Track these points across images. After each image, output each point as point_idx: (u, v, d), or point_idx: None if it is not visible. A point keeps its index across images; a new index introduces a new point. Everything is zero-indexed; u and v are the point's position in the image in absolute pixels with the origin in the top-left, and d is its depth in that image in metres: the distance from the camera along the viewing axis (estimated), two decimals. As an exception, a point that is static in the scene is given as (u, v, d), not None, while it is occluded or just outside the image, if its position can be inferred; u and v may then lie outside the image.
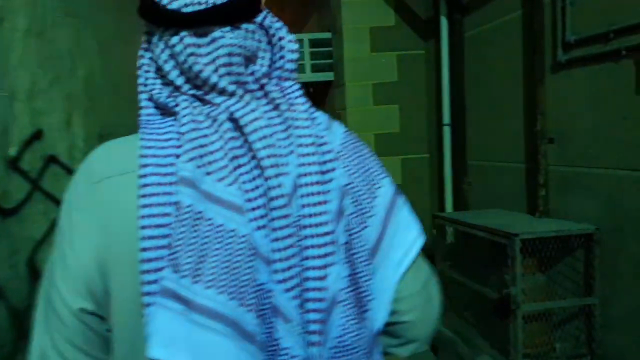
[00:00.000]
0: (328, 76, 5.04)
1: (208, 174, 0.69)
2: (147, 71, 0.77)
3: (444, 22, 4.05)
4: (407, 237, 0.84)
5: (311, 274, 0.70)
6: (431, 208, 4.73)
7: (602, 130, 2.54)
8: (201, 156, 0.69)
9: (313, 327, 0.68)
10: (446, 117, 4.15)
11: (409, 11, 4.56)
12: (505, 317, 2.53)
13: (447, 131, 4.15)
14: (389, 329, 0.81)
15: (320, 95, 5.50)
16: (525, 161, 3.23)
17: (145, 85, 0.76)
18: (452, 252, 3.52)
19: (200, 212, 0.66)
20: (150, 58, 0.77)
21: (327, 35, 5.02)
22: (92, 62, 3.90)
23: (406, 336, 0.83)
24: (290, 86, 0.83)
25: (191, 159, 0.68)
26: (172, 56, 0.73)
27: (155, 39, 0.75)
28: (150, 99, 0.76)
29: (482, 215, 3.28)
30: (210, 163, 0.69)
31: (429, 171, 4.73)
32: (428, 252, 3.19)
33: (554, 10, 2.79)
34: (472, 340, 3.02)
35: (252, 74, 0.78)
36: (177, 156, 0.69)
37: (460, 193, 4.04)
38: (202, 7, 0.70)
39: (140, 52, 0.79)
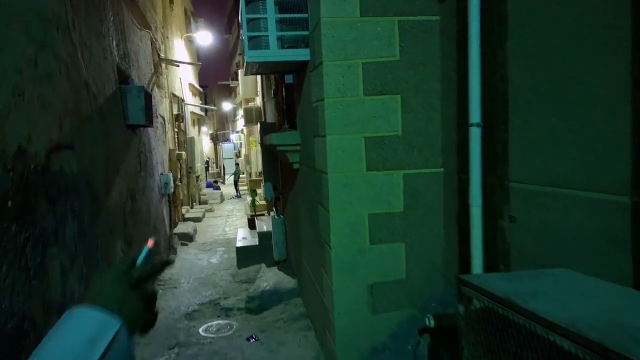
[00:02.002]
0: (301, 54, 3.56)
1: None
2: None
3: (473, -37, 2.58)
4: None
5: None
6: (445, 256, 3.24)
7: None
8: None
9: None
10: (474, 114, 2.67)
11: (418, -44, 3.09)
12: None
13: (475, 135, 2.67)
14: None
15: (290, 89, 4.03)
16: (624, 189, 1.76)
17: None
18: (485, 346, 2.03)
19: None
20: None
21: (300, -4, 3.56)
22: None
23: None
24: None
25: None
26: None
27: None
28: None
29: (542, 285, 1.81)
30: None
31: (443, 195, 3.24)
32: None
33: None
34: None
35: None
36: None
37: (497, 235, 2.55)
38: None
39: None
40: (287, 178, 6.10)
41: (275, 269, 6.60)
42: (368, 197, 3.17)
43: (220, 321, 5.18)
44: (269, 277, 6.12)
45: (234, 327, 4.97)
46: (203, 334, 4.85)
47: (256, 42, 3.53)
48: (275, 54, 3.54)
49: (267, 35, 3.50)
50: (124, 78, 6.07)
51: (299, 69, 4.08)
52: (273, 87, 6.89)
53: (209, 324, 5.10)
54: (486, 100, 2.63)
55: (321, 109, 3.19)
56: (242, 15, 3.46)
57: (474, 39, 2.64)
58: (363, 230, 3.19)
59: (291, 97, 4.92)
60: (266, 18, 3.46)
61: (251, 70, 3.97)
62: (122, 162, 5.52)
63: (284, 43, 3.59)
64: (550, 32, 2.18)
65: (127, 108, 5.83)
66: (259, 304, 5.42)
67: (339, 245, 3.18)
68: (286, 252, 6.80)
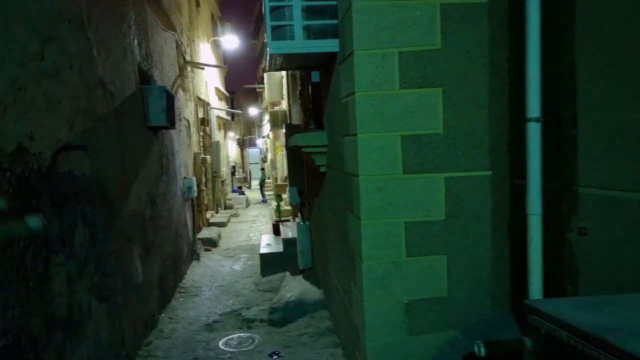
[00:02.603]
0: (329, 46, 3.23)
1: None
2: None
3: None
4: None
5: None
6: (493, 272, 2.84)
7: None
8: None
9: None
10: (533, 107, 2.28)
11: None
12: None
13: (534, 131, 2.28)
14: None
15: (316, 88, 3.70)
16: None
17: None
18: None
19: None
20: None
21: (329, -19, 3.23)
22: None
23: None
24: None
25: None
26: None
27: None
28: None
29: (636, 317, 1.42)
30: None
31: (492, 202, 2.84)
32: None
33: None
34: None
35: None
36: None
37: (561, 249, 2.15)
38: None
39: None
40: (313, 182, 5.77)
41: (300, 277, 6.27)
42: (404, 204, 2.80)
43: (242, 334, 4.87)
44: (294, 287, 5.79)
45: (256, 340, 4.65)
46: (223, 347, 4.55)
47: (280, 33, 3.22)
48: (300, 45, 3.22)
49: (292, 25, 3.19)
50: (146, 79, 5.87)
51: (326, 63, 3.75)
52: (299, 87, 6.59)
53: (230, 336, 4.80)
54: (547, 92, 2.24)
55: (352, 104, 2.84)
56: (265, 3, 3.16)
57: (533, 21, 2.26)
58: (398, 240, 2.82)
59: (318, 96, 4.60)
60: (291, 5, 3.15)
61: (275, 64, 3.67)
62: (142, 165, 5.30)
63: (310, 33, 3.27)
64: (636, 5, 1.78)
65: (148, 109, 5.61)
66: (283, 316, 5.09)
67: (371, 257, 2.82)
68: (312, 261, 6.46)
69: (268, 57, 3.54)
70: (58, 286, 2.82)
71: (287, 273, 6.65)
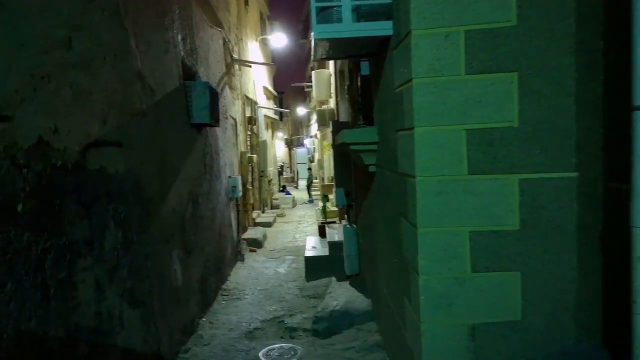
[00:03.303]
0: (381, 28, 2.85)
1: None
2: None
3: None
4: None
5: None
6: (579, 294, 2.35)
7: None
8: None
9: None
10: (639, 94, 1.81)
11: None
12: None
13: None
14: None
15: (365, 81, 3.33)
16: None
17: None
18: None
19: None
20: None
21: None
22: None
23: None
24: None
25: None
26: None
27: None
28: None
29: None
30: None
31: (578, 209, 2.35)
32: None
33: None
34: None
35: None
36: None
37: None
38: None
39: None
40: (361, 183, 5.39)
41: (346, 284, 5.90)
42: (470, 210, 2.38)
43: (284, 344, 4.56)
44: (340, 294, 5.43)
45: (298, 353, 4.33)
46: (263, 359, 4.26)
47: (326, 15, 2.87)
48: (349, 28, 2.86)
49: (340, 6, 2.83)
50: (190, 75, 5.71)
51: (377, 52, 3.36)
52: (347, 82, 6.22)
53: (271, 347, 4.50)
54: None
55: (408, 93, 2.45)
56: (310, -19, 2.82)
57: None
58: (462, 253, 2.39)
59: (367, 89, 4.21)
60: (337, -17, 2.80)
61: (321, 52, 3.32)
62: (184, 163, 5.12)
63: (359, 16, 2.90)
64: None
65: (192, 106, 5.43)
66: (328, 326, 4.74)
67: (430, 272, 2.41)
68: (359, 266, 6.08)
69: (313, 44, 3.19)
70: (84, 293, 2.61)
71: (333, 278, 6.30)
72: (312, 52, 3.40)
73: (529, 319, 2.41)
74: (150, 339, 3.62)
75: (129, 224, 3.34)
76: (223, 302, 5.95)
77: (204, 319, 5.19)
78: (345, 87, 6.49)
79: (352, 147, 3.78)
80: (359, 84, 4.31)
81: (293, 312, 5.45)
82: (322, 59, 3.65)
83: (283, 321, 5.17)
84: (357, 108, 4.61)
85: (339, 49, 3.33)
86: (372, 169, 3.90)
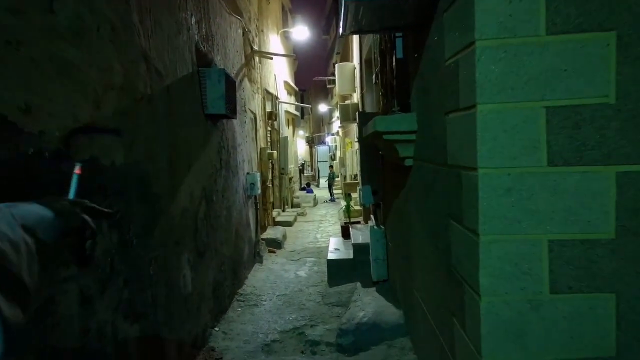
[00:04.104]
0: (430, -14, 2.31)
1: None
2: None
3: None
4: None
5: None
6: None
7: None
8: None
9: None
10: None
11: None
12: None
13: None
14: None
15: (401, 64, 2.79)
16: None
17: None
18: None
19: None
20: None
21: None
22: None
23: None
24: None
25: None
26: None
27: None
28: None
29: None
30: None
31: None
32: None
33: None
34: None
35: None
36: None
37: None
38: None
39: None
40: (391, 180, 4.85)
41: (373, 291, 5.38)
42: (550, 213, 1.83)
43: (304, 360, 4.08)
44: (366, 303, 4.91)
45: (321, 371, 3.83)
46: (282, 377, 3.78)
47: (360, -28, 2.35)
48: (388, -12, 2.33)
49: (377, -40, 2.31)
50: (205, 62, 5.26)
51: (418, 23, 2.82)
52: (376, 69, 5.68)
53: (290, 363, 4.02)
54: None
55: (467, 62, 1.91)
56: None
57: None
58: (538, 268, 1.85)
59: (403, 74, 3.68)
60: None
61: (351, 23, 2.80)
62: (197, 158, 4.67)
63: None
64: None
65: (206, 95, 4.98)
66: (354, 340, 4.23)
67: (496, 293, 1.87)
68: (387, 272, 5.54)
69: (342, 11, 2.67)
70: (65, 308, 2.15)
71: (358, 284, 5.78)
72: (341, 24, 2.88)
73: (626, 355, 1.84)
74: (151, 356, 3.16)
75: (128, 224, 2.89)
76: (239, 309, 5.49)
77: (217, 329, 4.74)
78: (374, 74, 5.95)
79: (385, 136, 3.25)
80: (394, 64, 3.77)
81: (315, 323, 4.95)
82: (352, 32, 3.12)
83: (304, 332, 4.68)
84: (391, 94, 4.07)
85: (373, 17, 2.79)
86: (408, 162, 3.36)
